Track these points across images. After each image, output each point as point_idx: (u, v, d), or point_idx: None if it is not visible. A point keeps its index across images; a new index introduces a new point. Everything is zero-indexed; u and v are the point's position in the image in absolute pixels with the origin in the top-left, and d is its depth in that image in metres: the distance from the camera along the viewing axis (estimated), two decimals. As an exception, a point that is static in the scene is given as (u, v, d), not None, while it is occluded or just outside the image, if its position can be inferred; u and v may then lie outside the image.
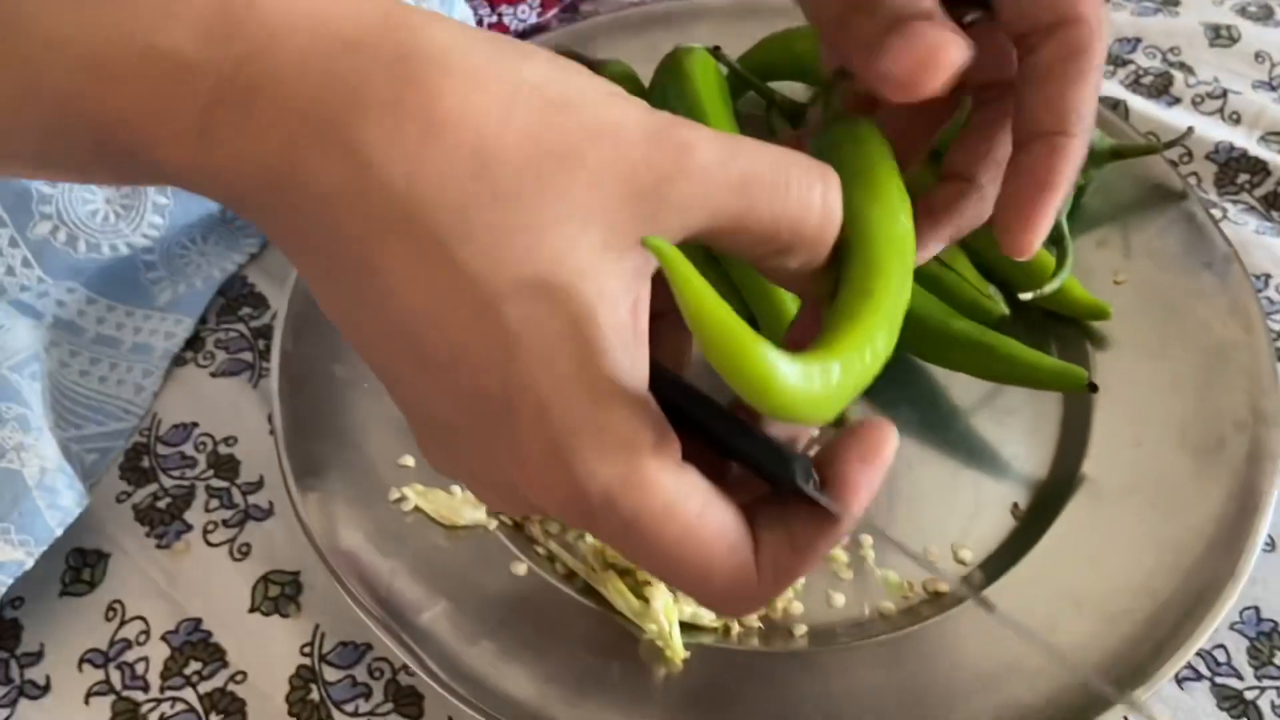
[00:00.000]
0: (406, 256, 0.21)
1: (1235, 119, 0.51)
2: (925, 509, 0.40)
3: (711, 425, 0.25)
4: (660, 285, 0.23)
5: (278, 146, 0.21)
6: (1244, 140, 0.50)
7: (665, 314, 0.26)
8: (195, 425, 0.43)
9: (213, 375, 0.44)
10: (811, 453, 0.25)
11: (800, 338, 0.28)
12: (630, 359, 0.22)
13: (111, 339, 0.45)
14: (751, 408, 0.26)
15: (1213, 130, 0.50)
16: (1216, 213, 0.48)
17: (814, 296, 0.27)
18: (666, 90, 0.47)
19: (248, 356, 0.45)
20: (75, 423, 0.42)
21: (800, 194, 0.23)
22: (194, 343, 0.45)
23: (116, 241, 0.46)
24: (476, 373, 0.21)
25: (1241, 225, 0.47)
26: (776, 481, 0.24)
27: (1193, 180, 0.49)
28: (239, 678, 0.37)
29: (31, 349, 0.42)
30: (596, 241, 0.21)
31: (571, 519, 0.23)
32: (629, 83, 0.49)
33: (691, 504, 0.22)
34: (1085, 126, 0.28)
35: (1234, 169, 0.49)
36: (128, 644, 0.38)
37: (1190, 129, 0.47)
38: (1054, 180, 0.28)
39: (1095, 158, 0.45)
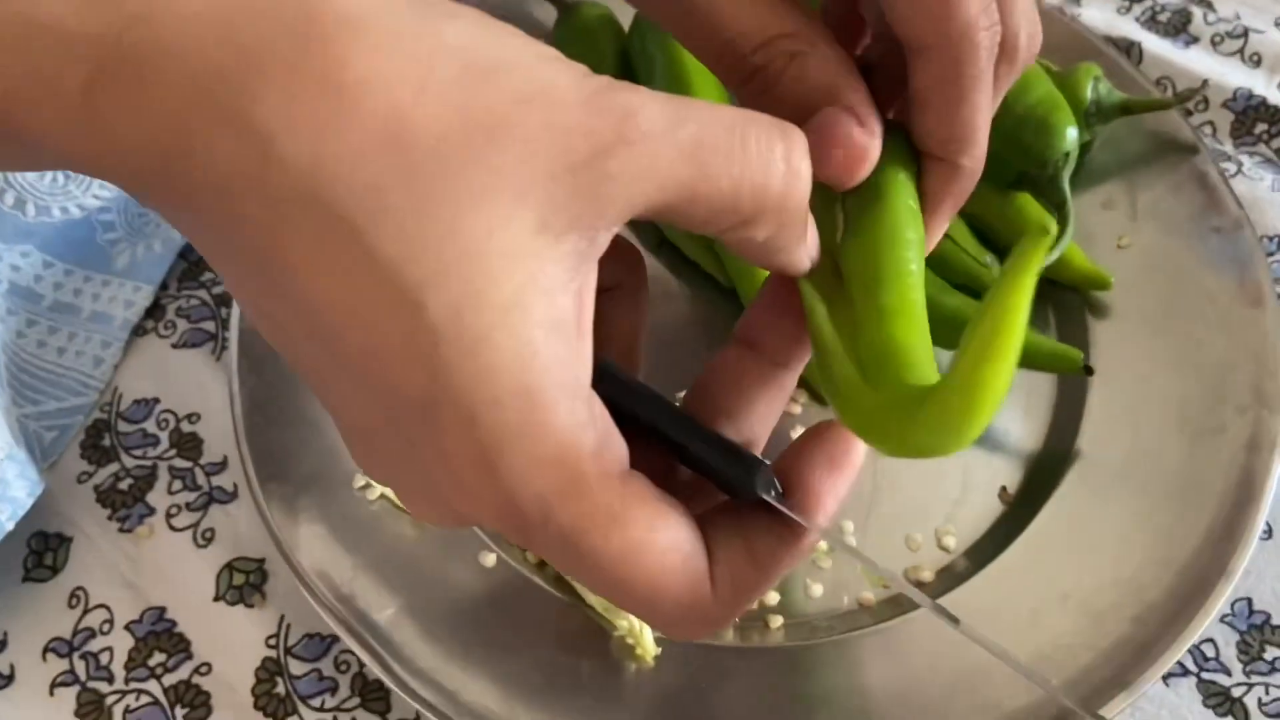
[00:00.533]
0: (314, 243, 0.19)
1: (1256, 60, 0.48)
2: (910, 492, 0.39)
3: (663, 428, 0.23)
4: (607, 257, 0.21)
5: (168, 123, 0.19)
6: (1264, 86, 0.47)
7: (613, 289, 0.24)
8: (157, 401, 0.41)
9: (174, 346, 0.43)
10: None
11: (765, 312, 0.26)
12: (570, 354, 0.20)
13: (69, 306, 0.43)
14: (694, 408, 0.25)
15: (1231, 75, 0.47)
16: (1230, 166, 0.45)
17: (786, 271, 0.25)
18: (645, 35, 0.44)
19: (210, 326, 0.43)
20: (33, 398, 0.41)
21: (760, 156, 0.21)
22: (154, 311, 0.43)
23: (67, 204, 0.44)
24: (396, 371, 0.19)
25: (1256, 180, 0.45)
26: (734, 489, 0.23)
27: (1207, 130, 0.47)
28: (204, 669, 0.36)
29: (-17, 321, 0.41)
30: (530, 222, 0.19)
31: (507, 532, 0.21)
32: (607, 26, 0.46)
33: (639, 516, 0.21)
34: (966, 151, 0.26)
35: (1251, 118, 0.46)
36: (91, 633, 0.37)
37: (1205, 83, 0.44)
38: (927, 205, 0.26)
39: (1103, 113, 0.42)
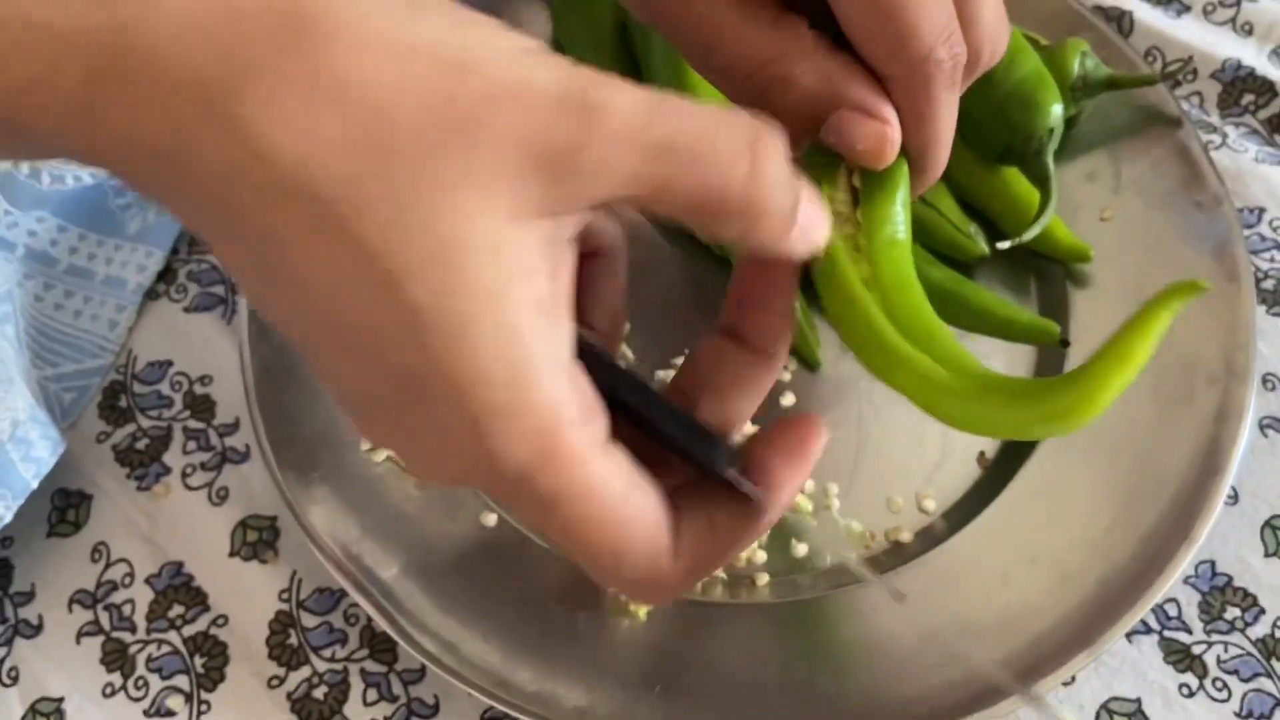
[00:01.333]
0: (304, 232, 0.20)
1: (1247, 30, 0.48)
2: (891, 456, 0.40)
3: (637, 406, 0.24)
4: (586, 225, 0.22)
5: (161, 122, 0.20)
6: (1253, 57, 0.47)
7: (593, 255, 0.25)
8: (170, 363, 0.43)
9: (186, 310, 0.44)
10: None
11: (743, 306, 0.27)
12: (551, 331, 0.21)
13: (84, 270, 0.45)
14: (680, 391, 0.26)
15: (1221, 45, 0.48)
16: (1216, 138, 0.46)
17: (779, 257, 0.26)
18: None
19: (220, 290, 0.45)
20: (51, 360, 0.43)
21: (726, 161, 0.22)
22: (166, 275, 0.45)
23: (80, 172, 0.45)
24: (387, 350, 0.21)
25: (1241, 152, 0.46)
26: (702, 466, 0.24)
27: (1194, 100, 0.47)
28: (221, 621, 0.38)
29: (3, 286, 0.42)
30: (503, 212, 0.20)
31: (494, 494, 0.23)
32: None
33: (614, 484, 0.22)
34: (925, 160, 0.27)
35: (1239, 89, 0.47)
36: (114, 586, 0.39)
37: (1190, 57, 0.45)
38: None
39: (1090, 88, 0.43)
